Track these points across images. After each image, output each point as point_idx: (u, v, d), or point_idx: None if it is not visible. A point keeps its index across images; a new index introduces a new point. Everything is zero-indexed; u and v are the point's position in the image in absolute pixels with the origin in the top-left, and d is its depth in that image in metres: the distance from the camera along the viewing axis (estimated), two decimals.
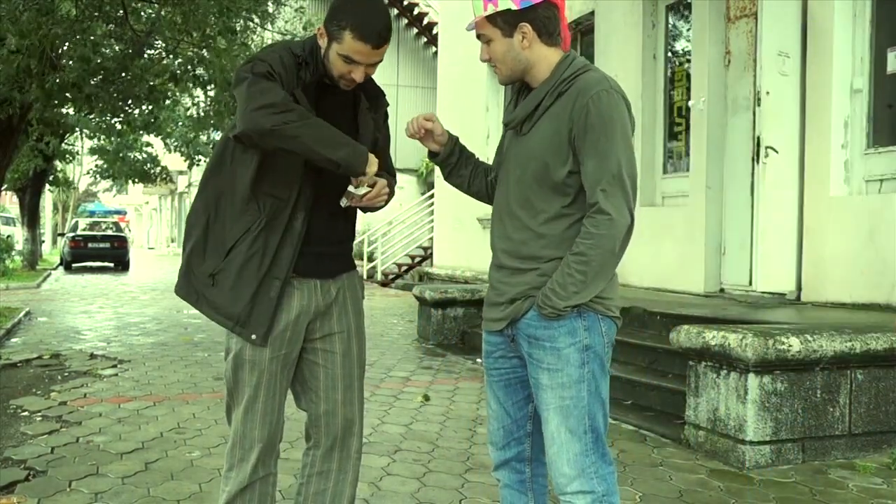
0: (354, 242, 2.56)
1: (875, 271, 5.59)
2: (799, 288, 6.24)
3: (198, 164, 19.84)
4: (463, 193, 2.40)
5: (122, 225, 29.58)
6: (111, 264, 22.99)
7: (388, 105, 2.49)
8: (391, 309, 11.29)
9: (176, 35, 9.13)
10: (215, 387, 5.65)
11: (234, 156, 2.27)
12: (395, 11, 19.92)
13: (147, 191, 45.70)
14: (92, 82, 8.95)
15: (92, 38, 8.24)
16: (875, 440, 4.14)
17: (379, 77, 2.41)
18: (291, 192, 2.25)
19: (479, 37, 2.13)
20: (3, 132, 9.89)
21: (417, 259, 16.95)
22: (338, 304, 2.41)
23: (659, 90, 8.11)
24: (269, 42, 8.24)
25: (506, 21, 2.06)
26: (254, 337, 2.26)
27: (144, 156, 24.87)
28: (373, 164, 2.21)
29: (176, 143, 19.42)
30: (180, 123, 17.42)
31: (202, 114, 11.60)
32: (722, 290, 6.98)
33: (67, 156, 20.89)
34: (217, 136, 15.24)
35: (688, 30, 7.79)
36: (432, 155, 2.33)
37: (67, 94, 8.91)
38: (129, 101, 10.24)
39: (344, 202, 2.27)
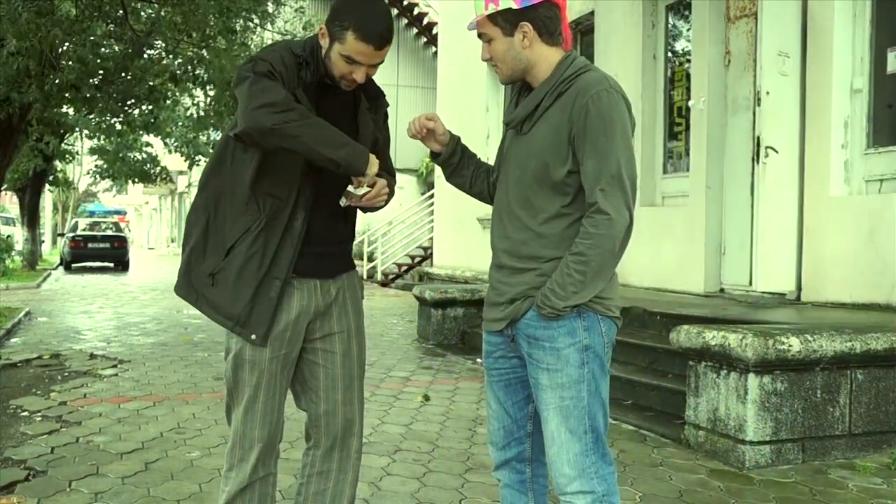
0: (354, 242, 2.56)
1: (875, 271, 5.59)
2: (799, 288, 6.25)
3: (198, 164, 19.84)
4: (463, 193, 2.40)
5: (122, 225, 29.59)
6: (111, 264, 23.00)
7: (388, 105, 2.50)
8: (391, 309, 11.29)
9: (176, 35, 9.13)
10: (215, 387, 5.65)
11: (235, 155, 2.27)
12: (395, 11, 19.92)
13: (147, 191, 45.71)
14: (91, 83, 8.95)
15: (91, 38, 8.24)
16: (875, 440, 4.14)
17: (379, 77, 2.41)
18: (291, 192, 2.25)
19: (480, 36, 2.13)
20: (3, 132, 9.88)
21: (417, 259, 16.95)
22: (338, 304, 2.41)
23: (659, 90, 8.11)
24: (269, 42, 8.23)
25: (506, 20, 2.06)
26: (254, 337, 2.26)
27: (144, 156, 24.88)
28: (373, 164, 2.21)
29: (176, 143, 19.42)
30: (180, 123, 17.42)
31: (202, 114, 11.60)
32: (722, 290, 6.98)
33: (67, 156, 20.91)
34: (217, 136, 15.24)
35: (688, 30, 7.79)
36: (434, 155, 2.33)
37: (66, 95, 8.91)
38: (129, 102, 10.24)
39: (343, 202, 2.27)
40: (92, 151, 24.03)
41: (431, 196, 15.88)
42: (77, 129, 14.89)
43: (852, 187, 6.01)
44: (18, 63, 7.79)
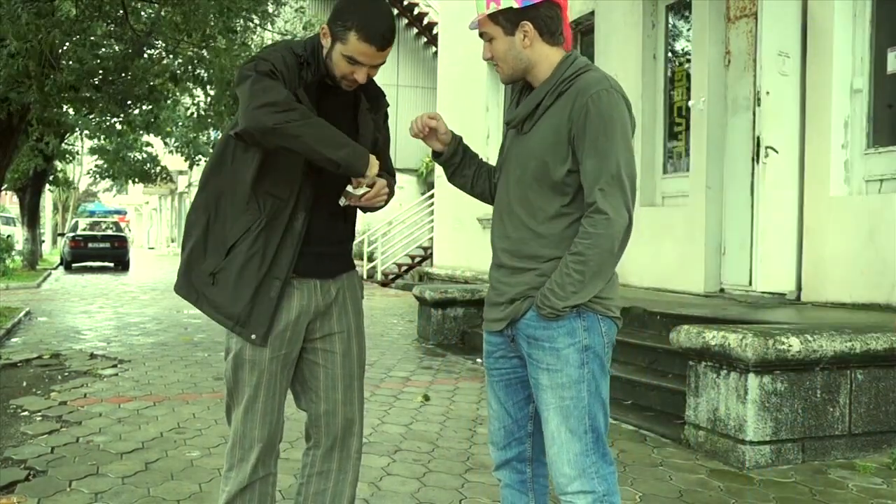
0: (354, 242, 2.56)
1: (875, 271, 5.59)
2: (799, 288, 6.25)
3: (198, 164, 19.82)
4: (464, 193, 2.40)
5: (122, 225, 29.58)
6: (111, 264, 23.01)
7: (388, 106, 2.50)
8: (391, 309, 11.29)
9: (176, 35, 9.13)
10: (215, 387, 5.65)
11: (235, 155, 2.27)
12: (395, 11, 19.90)
13: (147, 191, 45.70)
14: (91, 83, 8.95)
15: (91, 38, 8.23)
16: (875, 440, 4.14)
17: (379, 77, 2.41)
18: (292, 192, 2.25)
19: (481, 35, 2.13)
20: (3, 132, 9.88)
21: (417, 259, 16.94)
22: (338, 304, 2.41)
23: (659, 90, 8.11)
24: (269, 42, 8.23)
25: (507, 19, 2.06)
26: (254, 337, 2.26)
27: (144, 156, 24.86)
28: (373, 165, 2.22)
29: (176, 143, 19.41)
30: (180, 123, 17.41)
31: (202, 113, 11.59)
32: (722, 290, 6.98)
33: (67, 156, 20.90)
34: (217, 135, 15.23)
35: (688, 30, 7.79)
36: (436, 155, 2.33)
37: (66, 96, 8.90)
38: (129, 102, 10.24)
39: (342, 201, 2.27)
40: (92, 151, 24.01)
41: (431, 196, 15.88)
42: (77, 128, 14.88)
43: (852, 187, 6.01)
44: (18, 64, 7.79)
